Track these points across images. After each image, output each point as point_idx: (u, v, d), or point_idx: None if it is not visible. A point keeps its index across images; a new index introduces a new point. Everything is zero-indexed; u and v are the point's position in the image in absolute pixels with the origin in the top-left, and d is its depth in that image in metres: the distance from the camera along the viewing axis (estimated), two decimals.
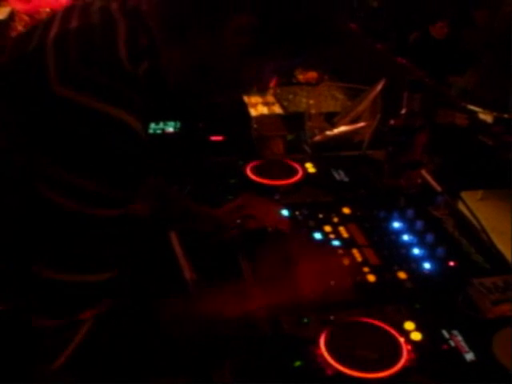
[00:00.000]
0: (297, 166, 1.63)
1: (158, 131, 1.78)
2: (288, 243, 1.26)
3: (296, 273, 1.14)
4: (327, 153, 1.78)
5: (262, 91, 2.12)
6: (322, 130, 1.88)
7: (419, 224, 1.39)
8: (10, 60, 1.02)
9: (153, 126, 1.60)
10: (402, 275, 1.26)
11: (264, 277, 1.19)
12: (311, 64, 2.48)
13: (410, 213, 1.43)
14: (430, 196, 1.51)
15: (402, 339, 1.08)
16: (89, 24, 0.99)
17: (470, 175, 1.93)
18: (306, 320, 1.12)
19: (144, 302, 1.10)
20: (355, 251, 1.32)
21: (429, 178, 1.61)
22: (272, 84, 2.34)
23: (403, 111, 1.49)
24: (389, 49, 3.42)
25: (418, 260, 1.30)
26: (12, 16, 2.80)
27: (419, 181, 1.57)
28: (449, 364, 1.05)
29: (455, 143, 2.04)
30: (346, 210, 1.46)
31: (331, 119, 1.93)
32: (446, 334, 1.11)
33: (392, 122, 1.52)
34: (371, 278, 1.24)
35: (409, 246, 1.34)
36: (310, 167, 1.66)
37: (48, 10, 2.62)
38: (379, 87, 1.88)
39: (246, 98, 2.19)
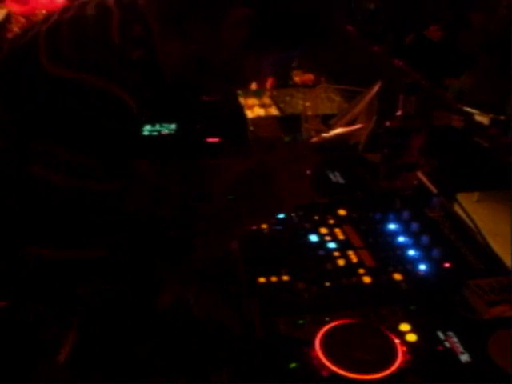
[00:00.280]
0: None
1: (154, 133, 1.78)
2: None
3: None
4: (323, 154, 1.78)
5: (259, 85, 2.12)
6: (319, 132, 1.88)
7: (415, 226, 1.39)
8: (4, 57, 1.03)
9: (148, 127, 1.60)
10: (397, 277, 1.26)
11: None
12: (308, 66, 2.49)
13: (405, 214, 1.43)
14: (425, 198, 1.51)
15: (397, 340, 1.08)
16: (83, 14, 1.01)
17: (466, 177, 1.93)
18: (301, 321, 1.12)
19: (143, 295, 1.09)
20: (351, 253, 1.32)
21: (425, 179, 1.61)
22: (269, 84, 2.35)
23: (399, 113, 1.49)
24: (385, 51, 3.42)
25: (414, 261, 1.30)
26: (8, 18, 2.81)
27: (415, 183, 1.57)
28: (444, 365, 1.05)
29: (451, 145, 2.04)
30: (342, 212, 1.46)
31: (327, 121, 1.93)
32: (441, 335, 1.11)
33: (388, 124, 1.52)
34: (367, 279, 1.25)
35: (404, 247, 1.34)
36: None
37: (44, 11, 2.63)
38: (375, 89, 1.88)
39: (242, 100, 2.20)
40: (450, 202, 1.57)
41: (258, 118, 2.10)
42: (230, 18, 0.98)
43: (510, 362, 1.05)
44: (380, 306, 1.17)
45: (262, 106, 2.25)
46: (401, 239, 1.37)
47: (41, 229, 0.95)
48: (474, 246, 1.36)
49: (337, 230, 1.39)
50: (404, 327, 1.12)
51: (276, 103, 2.28)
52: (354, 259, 1.30)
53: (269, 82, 2.38)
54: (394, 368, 1.03)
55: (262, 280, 1.23)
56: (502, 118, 3.49)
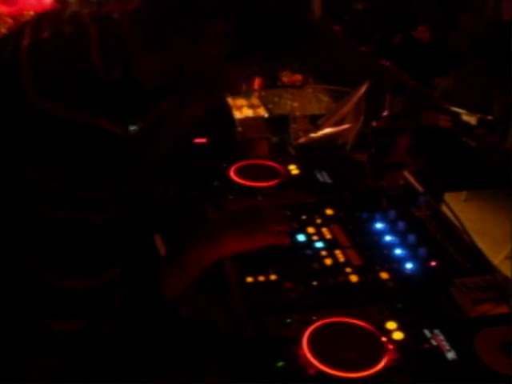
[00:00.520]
0: (280, 167, 1.64)
1: None
2: None
3: None
4: (311, 155, 1.79)
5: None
6: (307, 133, 1.89)
7: (401, 225, 1.40)
8: None
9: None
10: (384, 275, 1.26)
11: None
12: (296, 67, 2.49)
13: (392, 214, 1.44)
14: (412, 197, 1.52)
15: (384, 339, 1.08)
16: (61, 34, 1.00)
17: (454, 176, 1.95)
18: (288, 320, 1.12)
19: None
20: (338, 252, 1.33)
21: (411, 179, 1.62)
22: (257, 85, 2.35)
23: (385, 113, 1.50)
24: (373, 51, 3.44)
25: (400, 260, 1.31)
26: None
27: (401, 182, 1.58)
28: (430, 363, 1.06)
29: (439, 145, 2.05)
30: (329, 212, 1.47)
31: (316, 121, 1.94)
32: (427, 333, 1.11)
33: (374, 123, 1.53)
34: (354, 278, 1.25)
35: (391, 246, 1.35)
36: (294, 169, 1.66)
37: (32, 12, 2.62)
38: (363, 89, 1.90)
39: (230, 101, 2.20)
40: (437, 201, 1.58)
41: (246, 119, 2.10)
42: (210, 32, 0.98)
43: (495, 360, 1.06)
44: (367, 304, 1.18)
45: (251, 106, 2.26)
46: (387, 238, 1.38)
47: (48, 256, 0.97)
48: (460, 245, 1.37)
49: (324, 230, 1.40)
50: (391, 325, 1.12)
51: (264, 104, 2.28)
52: (341, 258, 1.31)
53: (257, 83, 2.38)
54: (380, 366, 1.03)
55: (249, 280, 1.23)
56: (490, 117, 3.52)
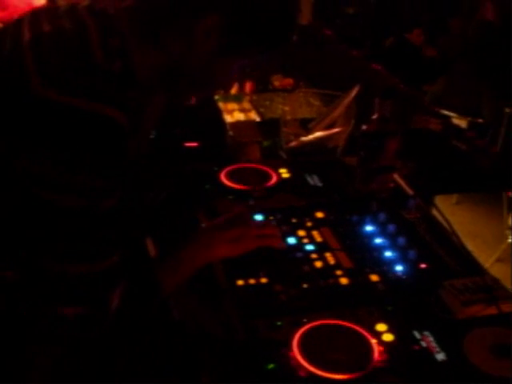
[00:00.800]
0: (271, 171, 1.64)
1: None
2: None
3: None
4: (302, 158, 1.80)
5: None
6: (298, 136, 1.89)
7: (391, 227, 1.41)
8: None
9: None
10: (374, 278, 1.27)
11: None
12: (287, 70, 2.50)
13: (382, 216, 1.45)
14: (401, 200, 1.53)
15: (373, 341, 1.09)
16: (61, 29, 1.02)
17: (444, 179, 1.95)
18: (279, 323, 1.13)
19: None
20: (328, 255, 1.33)
21: (401, 182, 1.63)
22: (249, 89, 2.36)
23: (375, 117, 1.51)
24: (364, 55, 3.45)
25: (390, 263, 1.31)
26: None
27: (391, 185, 1.59)
28: (420, 364, 1.07)
29: (429, 148, 2.06)
30: (320, 215, 1.48)
31: (306, 125, 1.94)
32: (417, 334, 1.12)
33: (364, 127, 1.54)
34: (344, 280, 1.26)
35: (381, 249, 1.36)
36: (284, 172, 1.67)
37: None
38: (353, 93, 1.91)
39: (222, 105, 2.21)
40: (427, 204, 1.59)
41: (237, 123, 2.10)
42: (201, 25, 1.01)
43: (485, 361, 1.07)
44: (357, 306, 1.18)
45: (242, 110, 2.26)
46: (377, 241, 1.38)
47: (51, 244, 0.99)
48: (449, 247, 1.38)
49: (314, 233, 1.40)
50: (381, 327, 1.13)
51: (256, 108, 2.28)
52: (332, 261, 1.31)
53: (249, 87, 2.39)
54: (370, 368, 1.04)
55: (240, 283, 1.24)
56: (480, 121, 3.54)
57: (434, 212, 1.55)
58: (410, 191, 1.60)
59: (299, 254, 1.33)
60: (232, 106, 2.26)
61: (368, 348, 1.08)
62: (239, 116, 2.20)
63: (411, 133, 2.03)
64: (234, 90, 2.31)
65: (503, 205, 3.19)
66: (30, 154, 0.93)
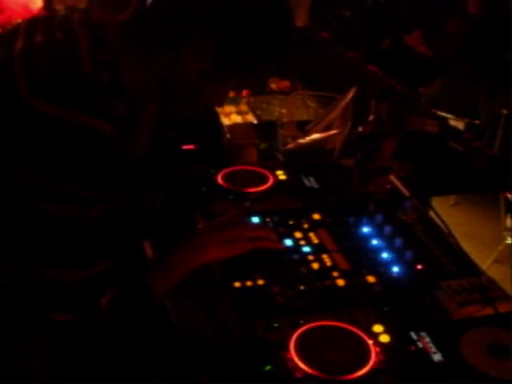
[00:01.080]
0: (268, 173, 1.64)
1: None
2: None
3: None
4: (299, 160, 1.80)
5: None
6: (295, 138, 1.90)
7: (388, 229, 1.41)
8: None
9: None
10: (370, 279, 1.27)
11: None
12: (284, 73, 2.50)
13: (378, 218, 1.45)
14: (398, 201, 1.53)
15: (370, 342, 1.09)
16: (53, 39, 1.04)
17: (442, 181, 1.96)
18: (276, 324, 1.13)
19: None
20: (325, 256, 1.33)
21: (397, 183, 1.63)
22: (245, 92, 2.36)
23: (371, 118, 1.51)
24: (361, 57, 3.46)
25: (387, 264, 1.32)
26: None
27: (388, 186, 1.59)
28: (417, 365, 1.07)
29: (426, 150, 2.07)
30: (316, 216, 1.48)
31: (303, 127, 1.95)
32: (414, 335, 1.12)
33: (360, 129, 1.55)
34: (340, 282, 1.26)
35: (378, 250, 1.36)
36: (281, 174, 1.67)
37: (20, 20, 2.62)
38: (350, 95, 1.91)
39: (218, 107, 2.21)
40: (424, 205, 1.59)
41: (235, 125, 2.11)
42: (193, 47, 1.03)
43: (481, 361, 1.07)
44: (354, 308, 1.18)
45: (239, 113, 2.27)
46: (374, 242, 1.39)
47: (40, 251, 1.00)
48: (446, 248, 1.38)
49: (311, 234, 1.40)
50: (377, 328, 1.13)
51: (253, 110, 2.29)
52: (328, 262, 1.32)
53: (245, 90, 2.39)
54: (367, 369, 1.04)
55: (237, 284, 1.24)
56: (477, 122, 3.54)
57: (431, 213, 1.55)
58: (406, 193, 1.60)
59: (296, 256, 1.33)
60: (229, 108, 2.26)
61: (365, 349, 1.08)
62: (236, 118, 2.21)
63: (408, 134, 2.04)
64: (231, 93, 2.31)
65: (500, 206, 3.19)
66: (21, 162, 0.94)
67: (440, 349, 1.09)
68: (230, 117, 2.21)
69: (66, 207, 0.97)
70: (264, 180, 1.61)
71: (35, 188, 0.95)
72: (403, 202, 1.52)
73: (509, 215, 2.99)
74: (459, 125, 3.44)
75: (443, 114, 3.32)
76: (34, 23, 1.08)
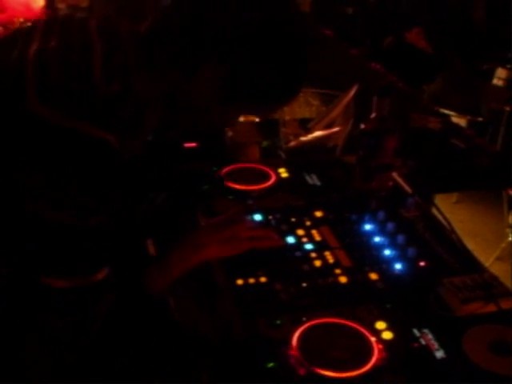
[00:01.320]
0: (270, 171, 1.64)
1: None
2: None
3: None
4: (301, 158, 1.80)
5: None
6: (297, 136, 1.90)
7: (390, 226, 1.41)
8: None
9: None
10: (373, 276, 1.27)
11: None
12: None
13: (381, 215, 1.45)
14: (400, 198, 1.53)
15: (373, 339, 1.09)
16: (67, 44, 1.03)
17: (444, 178, 1.96)
18: (278, 322, 1.13)
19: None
20: (327, 253, 1.33)
21: (400, 180, 1.63)
22: None
23: (373, 115, 1.51)
24: (363, 54, 3.46)
25: (389, 261, 1.32)
26: None
27: (390, 183, 1.59)
28: (420, 362, 1.07)
29: (428, 147, 2.07)
30: (319, 214, 1.48)
31: (306, 125, 1.94)
32: (416, 332, 1.12)
33: (362, 126, 1.54)
34: (343, 279, 1.26)
35: (380, 247, 1.36)
36: (283, 172, 1.67)
37: (22, 19, 2.63)
38: (352, 92, 1.91)
39: None
40: (426, 201, 1.59)
41: (237, 123, 2.10)
42: (203, 71, 1.03)
43: (484, 358, 1.07)
44: (356, 305, 1.19)
45: None
46: (376, 239, 1.39)
47: (40, 256, 1.00)
48: (449, 245, 1.38)
49: (313, 232, 1.41)
50: (380, 325, 1.13)
51: None
52: (331, 260, 1.32)
53: None
54: (370, 365, 1.04)
55: (239, 282, 1.24)
56: (480, 119, 3.54)
57: (434, 210, 1.55)
58: (409, 190, 1.60)
59: (298, 253, 1.33)
60: None
61: (367, 346, 1.08)
62: None
63: (410, 131, 2.03)
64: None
65: (503, 203, 3.19)
66: (23, 166, 0.94)
67: (443, 346, 1.10)
68: None
69: (67, 215, 0.96)
70: (266, 178, 1.61)
71: (36, 194, 0.95)
72: (406, 198, 1.52)
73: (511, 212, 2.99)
74: (461, 122, 3.44)
75: (445, 111, 3.32)
76: (51, 26, 1.07)
